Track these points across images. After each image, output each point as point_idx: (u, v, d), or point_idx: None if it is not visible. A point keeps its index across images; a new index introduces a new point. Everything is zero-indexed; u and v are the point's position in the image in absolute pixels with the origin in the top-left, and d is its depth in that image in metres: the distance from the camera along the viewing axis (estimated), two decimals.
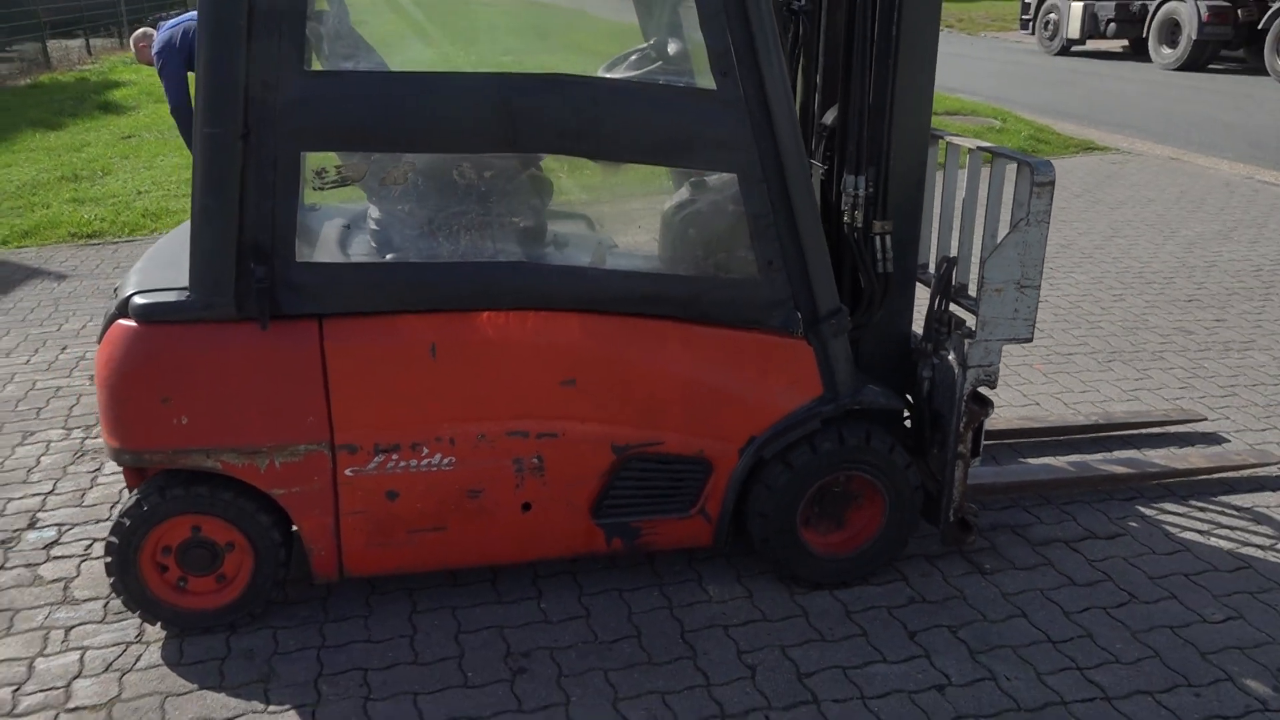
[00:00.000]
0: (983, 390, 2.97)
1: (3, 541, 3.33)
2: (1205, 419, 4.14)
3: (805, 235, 2.77)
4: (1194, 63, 16.51)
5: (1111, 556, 3.24)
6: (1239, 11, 16.08)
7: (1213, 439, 4.04)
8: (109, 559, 2.76)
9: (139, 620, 2.91)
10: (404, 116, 2.51)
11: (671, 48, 2.95)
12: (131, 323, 2.60)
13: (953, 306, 3.07)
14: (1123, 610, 2.98)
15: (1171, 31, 16.85)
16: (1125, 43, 19.41)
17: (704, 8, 2.57)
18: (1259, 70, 16.09)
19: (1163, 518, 3.47)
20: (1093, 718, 2.56)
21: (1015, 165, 2.88)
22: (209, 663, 2.76)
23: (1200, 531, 3.39)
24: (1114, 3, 17.94)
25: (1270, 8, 15.28)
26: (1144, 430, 4.06)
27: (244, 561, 2.84)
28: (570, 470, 2.85)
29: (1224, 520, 3.46)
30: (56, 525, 3.42)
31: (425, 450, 2.75)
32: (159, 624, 2.87)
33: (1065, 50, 19.51)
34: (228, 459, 2.68)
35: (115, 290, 2.90)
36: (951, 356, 2.99)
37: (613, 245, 3.05)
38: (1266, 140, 10.73)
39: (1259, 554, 3.26)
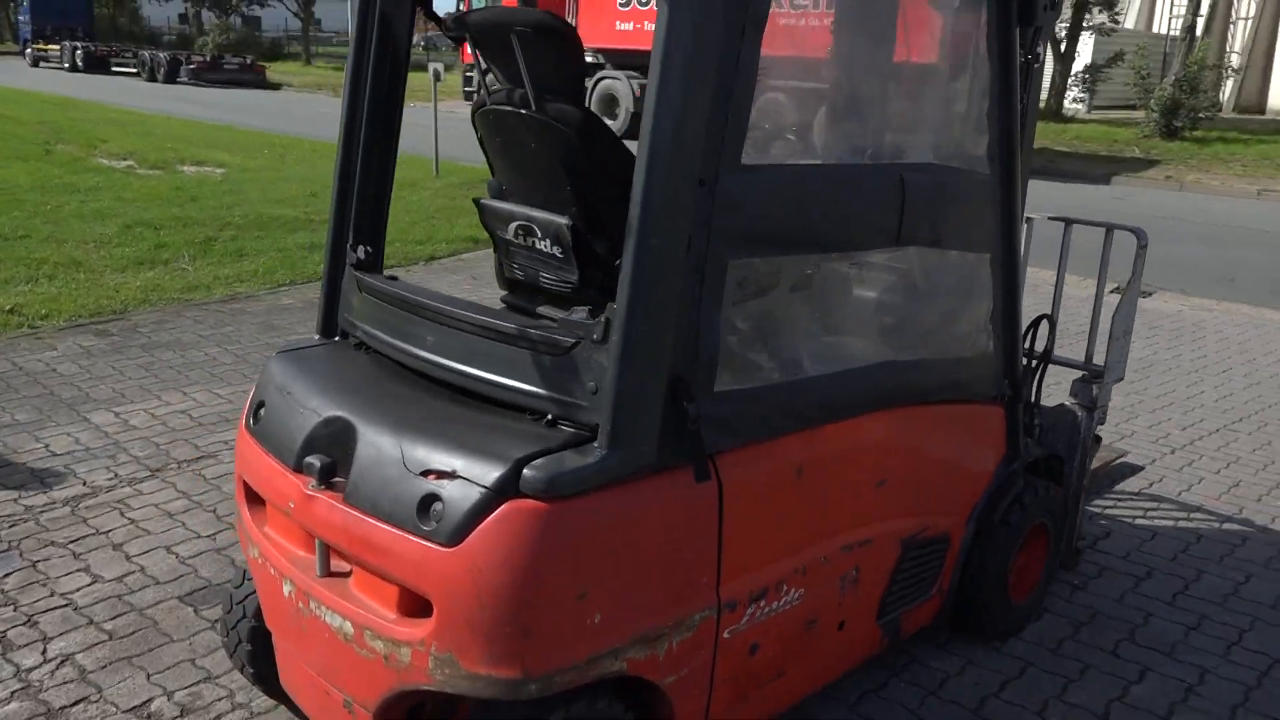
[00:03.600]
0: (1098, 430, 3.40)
1: None
2: None
3: (1016, 307, 2.96)
4: (633, 133, 18.78)
5: (1131, 551, 3.87)
6: None
7: None
8: None
9: None
10: (831, 214, 2.20)
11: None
12: (534, 502, 1.92)
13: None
14: (1196, 588, 3.60)
15: (610, 104, 19.07)
16: None
17: (1000, 97, 2.64)
18: None
19: (1111, 511, 4.21)
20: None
21: (1104, 231, 3.36)
22: None
23: (1144, 517, 4.18)
24: None
25: None
26: None
27: None
28: (873, 576, 2.70)
29: (1145, 505, 4.30)
30: None
31: (785, 588, 2.41)
32: None
33: None
34: (633, 654, 2.09)
35: (318, 471, 2.10)
36: (1072, 401, 3.37)
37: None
38: None
39: (1204, 525, 4.13)
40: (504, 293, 2.80)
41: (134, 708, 2.72)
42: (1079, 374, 3.44)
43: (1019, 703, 2.93)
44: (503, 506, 1.92)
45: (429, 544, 1.95)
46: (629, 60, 19.00)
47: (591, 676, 2.04)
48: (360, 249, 2.62)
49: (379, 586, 2.09)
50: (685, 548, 2.15)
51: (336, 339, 2.70)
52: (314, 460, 2.16)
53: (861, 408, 2.49)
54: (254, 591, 2.60)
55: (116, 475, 4.11)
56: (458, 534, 1.93)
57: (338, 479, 2.17)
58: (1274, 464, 4.84)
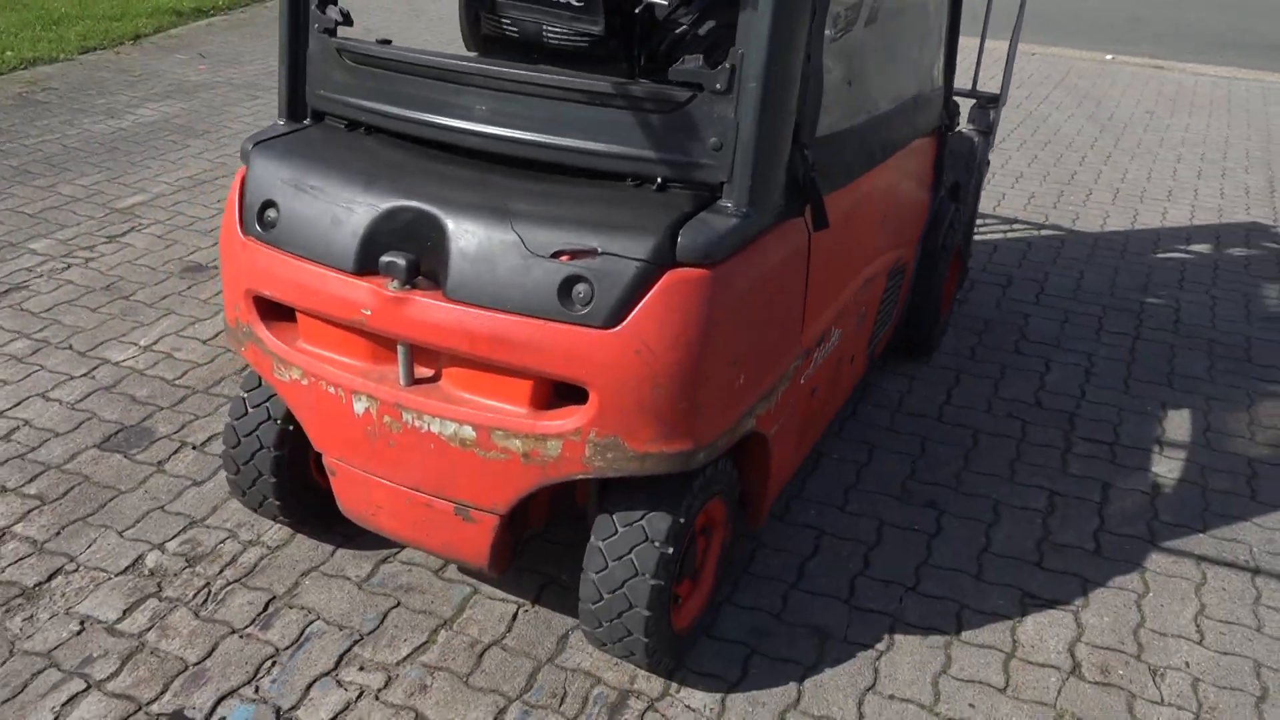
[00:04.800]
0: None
1: None
2: None
3: (957, 36, 3.04)
4: None
5: (985, 264, 4.28)
6: None
7: None
8: (649, 613, 1.97)
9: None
10: None
11: None
12: (695, 270, 1.81)
13: None
14: (1049, 288, 4.08)
15: None
16: None
17: None
18: None
19: None
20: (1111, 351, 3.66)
21: None
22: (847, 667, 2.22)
23: (979, 233, 4.60)
24: None
25: None
26: None
27: (713, 543, 2.26)
28: (872, 310, 2.82)
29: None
30: None
31: (832, 331, 2.48)
32: (668, 667, 2.16)
33: None
34: (759, 410, 2.09)
35: (406, 266, 1.88)
36: (970, 128, 3.58)
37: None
38: None
39: (1027, 235, 4.62)
40: (472, 54, 2.50)
41: (127, 568, 2.39)
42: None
43: (967, 405, 3.25)
44: (664, 278, 1.80)
45: (582, 328, 1.81)
46: None
47: (737, 437, 2.03)
48: (334, 9, 2.20)
49: (501, 383, 1.92)
50: (790, 300, 2.13)
51: (307, 122, 2.31)
52: (396, 259, 1.89)
53: (895, 146, 2.52)
54: (268, 419, 2.31)
55: None
56: (617, 313, 1.79)
57: (419, 277, 1.93)
58: (1050, 174, 5.44)
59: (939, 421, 3.15)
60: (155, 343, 3.33)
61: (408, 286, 1.91)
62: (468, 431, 1.95)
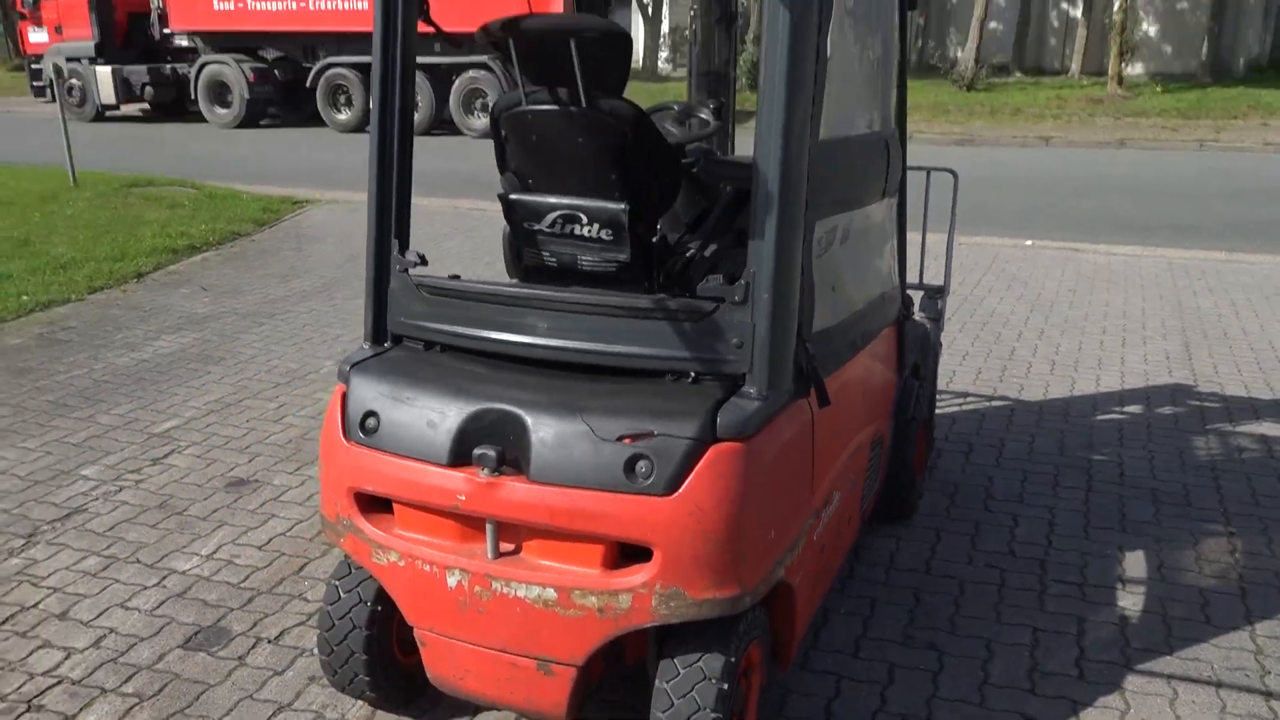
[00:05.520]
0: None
1: None
2: None
3: (905, 241, 3.64)
4: (250, 119, 18.06)
5: (947, 433, 4.78)
6: (276, 72, 18.07)
7: None
8: None
9: None
10: (859, 175, 2.68)
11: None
12: (732, 444, 2.25)
13: None
14: (1007, 453, 4.57)
15: (221, 92, 18.01)
16: (146, 106, 19.89)
17: (899, 68, 3.26)
18: (305, 123, 18.37)
19: None
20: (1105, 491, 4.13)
21: (925, 173, 4.15)
22: None
23: (937, 407, 5.13)
24: (145, 66, 18.48)
25: (309, 68, 17.55)
26: None
27: (753, 684, 2.60)
28: (861, 477, 3.27)
29: None
30: None
31: (834, 495, 2.90)
32: None
33: (100, 116, 19.33)
34: (787, 561, 2.49)
35: (486, 456, 2.31)
36: (921, 315, 4.15)
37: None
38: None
39: (980, 406, 5.15)
40: (514, 280, 3.00)
41: None
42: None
43: (950, 558, 3.66)
44: (710, 451, 2.23)
45: (645, 497, 2.22)
46: (230, 43, 18.01)
47: (772, 584, 2.41)
48: (413, 254, 2.69)
49: (576, 549, 2.31)
50: (802, 466, 2.57)
51: (388, 344, 2.76)
52: (487, 450, 2.31)
53: (869, 336, 3.04)
54: (360, 602, 2.64)
55: None
56: (673, 483, 2.22)
57: (505, 465, 2.34)
58: (992, 351, 6.05)
59: (928, 574, 3.55)
60: (215, 551, 3.66)
61: (497, 473, 2.32)
62: (550, 593, 2.32)
